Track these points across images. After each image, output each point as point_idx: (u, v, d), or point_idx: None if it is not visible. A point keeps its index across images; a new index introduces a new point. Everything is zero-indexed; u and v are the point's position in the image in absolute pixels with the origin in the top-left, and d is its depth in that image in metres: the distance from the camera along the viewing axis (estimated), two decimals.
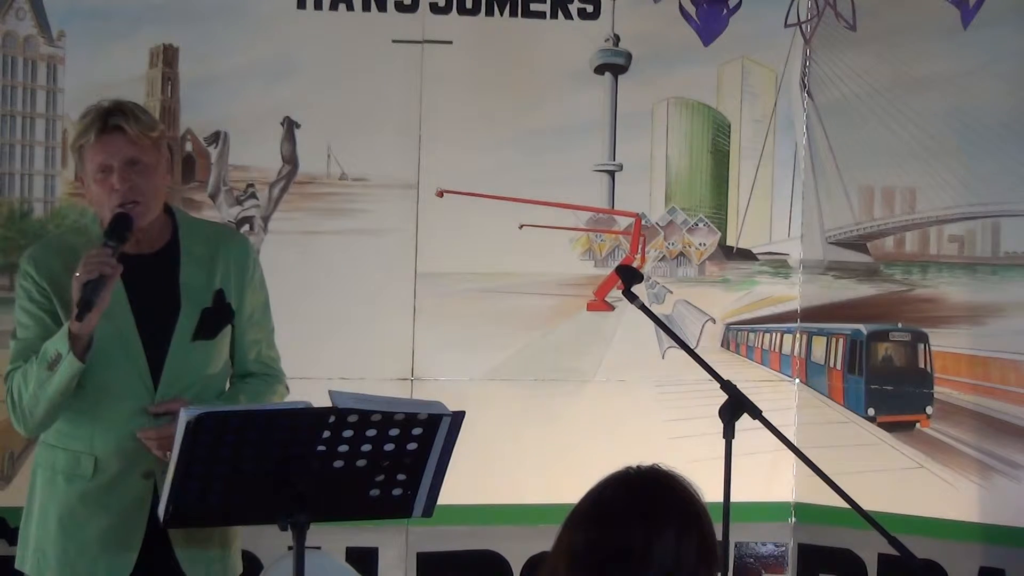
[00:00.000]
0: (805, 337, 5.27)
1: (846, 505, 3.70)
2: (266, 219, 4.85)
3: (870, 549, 4.92)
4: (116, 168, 3.35)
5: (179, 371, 3.43)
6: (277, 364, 3.65)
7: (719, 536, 3.02)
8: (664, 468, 2.11)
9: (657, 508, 2.04)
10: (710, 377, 3.78)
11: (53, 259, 3.43)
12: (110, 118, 3.37)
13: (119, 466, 3.40)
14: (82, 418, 3.41)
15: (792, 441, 3.97)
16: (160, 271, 3.43)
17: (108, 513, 3.40)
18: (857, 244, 5.19)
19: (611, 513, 2.06)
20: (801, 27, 5.23)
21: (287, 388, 3.67)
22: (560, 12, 5.05)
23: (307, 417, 3.04)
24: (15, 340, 3.45)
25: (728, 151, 5.26)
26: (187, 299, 3.45)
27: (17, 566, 3.53)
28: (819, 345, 5.26)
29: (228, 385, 3.60)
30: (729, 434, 3.72)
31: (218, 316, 3.48)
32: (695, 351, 3.91)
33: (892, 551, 3.60)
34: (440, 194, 4.96)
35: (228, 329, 3.52)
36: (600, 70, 5.11)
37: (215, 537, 3.47)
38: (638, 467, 2.11)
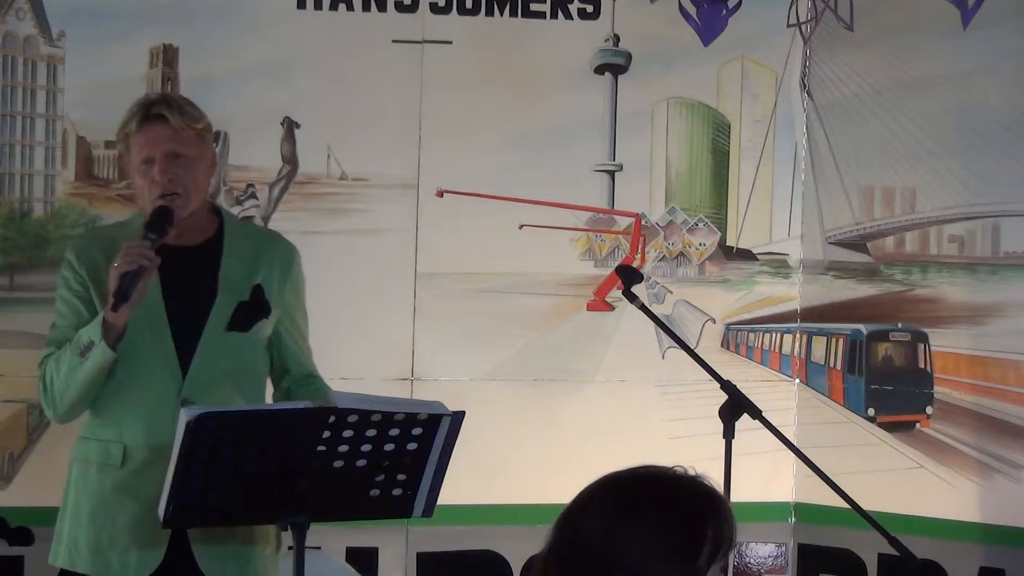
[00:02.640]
0: (805, 337, 5.27)
1: (846, 505, 3.70)
2: (266, 219, 4.85)
3: (870, 549, 4.91)
4: (158, 160, 3.38)
5: (209, 360, 3.43)
6: (316, 369, 3.70)
7: None
8: (661, 468, 2.09)
9: (625, 507, 2.02)
10: (710, 377, 3.78)
11: (95, 249, 3.46)
12: (152, 107, 3.40)
13: (147, 454, 3.39)
14: (112, 406, 3.43)
15: (792, 441, 3.98)
16: (200, 263, 3.46)
17: (138, 502, 3.39)
18: (857, 244, 5.19)
19: (579, 509, 2.05)
20: (800, 27, 5.23)
21: None
22: (560, 12, 5.05)
23: (307, 417, 3.05)
24: (52, 328, 3.49)
25: (728, 151, 5.26)
26: (224, 290, 3.47)
27: (51, 562, 3.53)
28: (819, 345, 5.25)
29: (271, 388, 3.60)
30: (729, 434, 3.73)
31: (253, 310, 3.48)
32: (695, 351, 3.92)
33: (892, 551, 3.61)
34: (440, 194, 4.95)
35: (264, 326, 3.51)
36: (600, 70, 5.11)
37: (237, 534, 3.43)
38: (637, 467, 2.10)
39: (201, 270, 3.47)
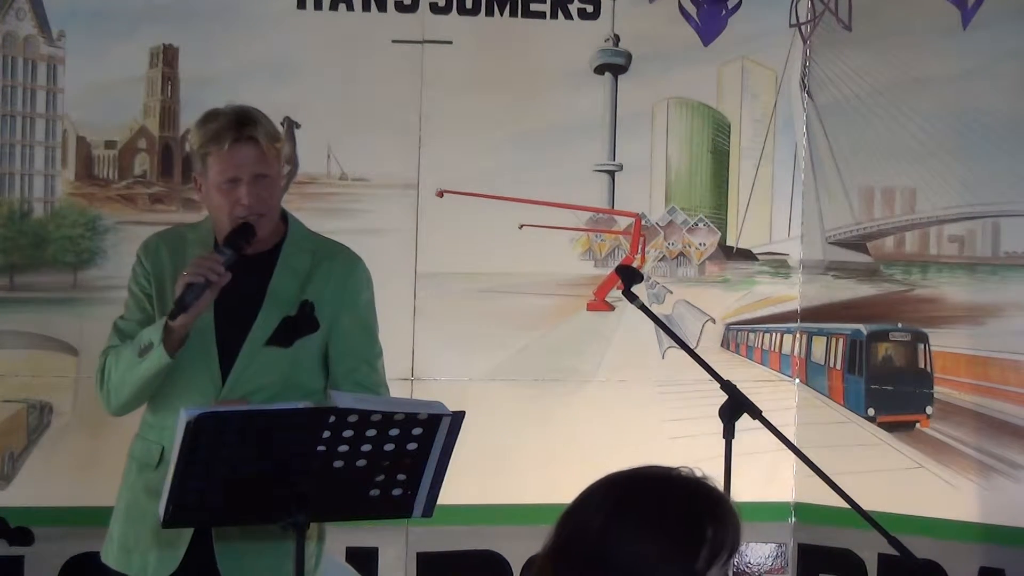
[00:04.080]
0: (805, 337, 5.27)
1: (846, 505, 3.70)
2: None
3: (870, 549, 4.91)
4: (245, 181, 3.37)
5: (248, 373, 3.43)
6: (380, 389, 3.60)
7: None
8: (662, 468, 2.07)
9: (622, 505, 2.01)
10: (710, 377, 3.78)
11: (162, 246, 3.47)
12: (244, 129, 3.38)
13: None
14: (159, 408, 3.46)
15: (792, 441, 3.98)
16: (254, 275, 3.44)
17: None
18: (857, 244, 5.19)
19: (577, 507, 2.05)
20: (800, 27, 5.23)
21: None
22: (560, 12, 5.05)
23: (307, 417, 3.04)
24: (118, 320, 3.52)
25: (728, 151, 5.26)
26: (270, 304, 3.45)
27: None
28: (819, 345, 5.25)
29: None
30: (729, 434, 3.73)
31: (299, 325, 3.46)
32: (695, 351, 3.91)
33: (892, 551, 3.61)
34: (440, 194, 4.96)
35: (311, 342, 3.48)
36: (600, 70, 5.11)
37: (261, 532, 3.37)
38: (639, 467, 2.08)
39: (254, 282, 3.45)
